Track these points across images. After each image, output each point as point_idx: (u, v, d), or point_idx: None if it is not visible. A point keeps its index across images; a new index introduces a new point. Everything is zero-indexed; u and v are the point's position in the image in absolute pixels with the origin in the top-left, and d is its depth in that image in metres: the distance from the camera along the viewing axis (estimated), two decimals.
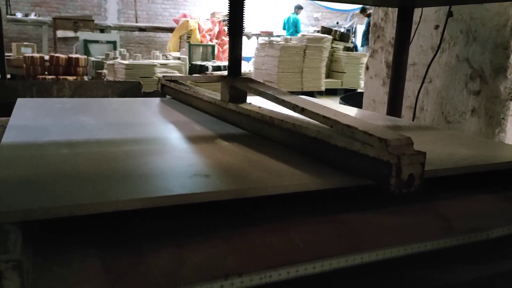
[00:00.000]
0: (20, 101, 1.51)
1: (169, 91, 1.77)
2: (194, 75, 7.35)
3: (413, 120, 2.16)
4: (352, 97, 4.44)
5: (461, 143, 1.28)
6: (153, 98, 1.81)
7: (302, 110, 0.97)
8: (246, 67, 8.99)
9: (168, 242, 0.69)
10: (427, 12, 2.15)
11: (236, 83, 1.26)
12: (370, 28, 2.61)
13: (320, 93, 8.76)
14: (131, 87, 3.33)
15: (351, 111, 1.78)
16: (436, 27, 2.12)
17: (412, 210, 0.90)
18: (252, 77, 7.49)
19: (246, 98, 1.30)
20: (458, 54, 1.96)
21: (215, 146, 1.07)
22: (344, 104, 3.85)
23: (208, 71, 7.84)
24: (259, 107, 1.21)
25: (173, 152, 1.04)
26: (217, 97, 1.38)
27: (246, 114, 1.19)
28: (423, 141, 1.22)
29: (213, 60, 8.96)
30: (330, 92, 8.87)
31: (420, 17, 2.13)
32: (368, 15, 10.92)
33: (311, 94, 8.50)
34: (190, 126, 1.32)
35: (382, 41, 2.47)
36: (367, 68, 2.51)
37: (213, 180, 0.81)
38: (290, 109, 1.03)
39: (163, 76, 1.84)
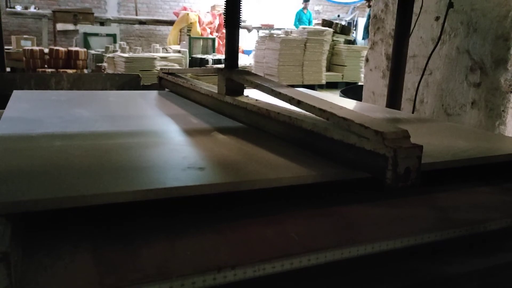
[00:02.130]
0: (16, 93, 1.50)
1: (167, 84, 1.76)
2: (192, 68, 7.33)
3: (412, 113, 2.14)
4: (352, 90, 4.41)
5: (460, 135, 1.26)
6: (151, 91, 1.79)
7: (298, 103, 0.96)
8: (247, 60, 8.95)
9: (160, 234, 0.68)
10: (428, 3, 2.13)
11: (233, 75, 1.24)
12: (370, 20, 2.59)
13: (320, 87, 8.73)
14: (130, 80, 3.32)
15: (350, 103, 1.77)
16: (437, 18, 2.10)
17: (409, 203, 0.89)
18: (252, 70, 7.46)
19: (243, 91, 1.29)
20: (459, 45, 1.94)
21: (211, 139, 1.06)
22: (344, 97, 3.83)
23: (208, 64, 7.81)
24: (256, 99, 1.20)
25: (168, 144, 1.03)
26: (214, 90, 1.37)
27: (243, 107, 1.18)
28: (421, 133, 1.21)
29: (214, 53, 8.92)
30: (331, 86, 8.84)
31: (421, 9, 2.10)
32: (370, 6, 10.85)
33: (311, 87, 8.47)
34: (187, 119, 1.31)
35: (382, 33, 2.45)
36: (367, 60, 2.49)
37: (207, 173, 0.80)
38: (286, 101, 1.02)
39: (161, 69, 1.82)
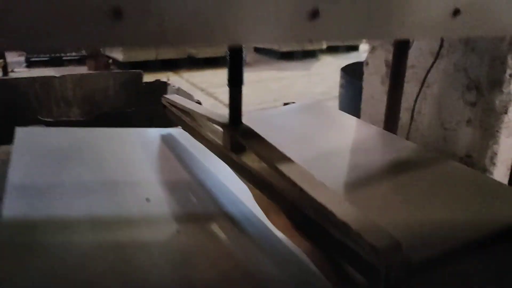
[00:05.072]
0: (19, 132, 1.40)
1: (172, 115, 1.79)
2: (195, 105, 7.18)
3: (410, 124, 2.21)
4: (353, 68, 4.40)
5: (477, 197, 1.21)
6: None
7: (300, 191, 1.01)
8: None
9: None
10: None
11: (238, 136, 1.29)
12: None
13: (321, 51, 8.63)
14: (132, 77, 3.35)
15: (353, 123, 1.82)
16: None
17: None
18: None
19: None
20: (456, 62, 1.98)
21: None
22: (345, 76, 3.84)
23: None
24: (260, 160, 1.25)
25: None
26: (219, 139, 1.41)
27: (247, 169, 1.24)
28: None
29: None
30: (331, 50, 8.73)
31: None
32: None
33: (312, 52, 8.40)
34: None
35: None
36: (367, 63, 2.52)
37: None
38: (288, 187, 1.05)
39: (163, 97, 1.84)
